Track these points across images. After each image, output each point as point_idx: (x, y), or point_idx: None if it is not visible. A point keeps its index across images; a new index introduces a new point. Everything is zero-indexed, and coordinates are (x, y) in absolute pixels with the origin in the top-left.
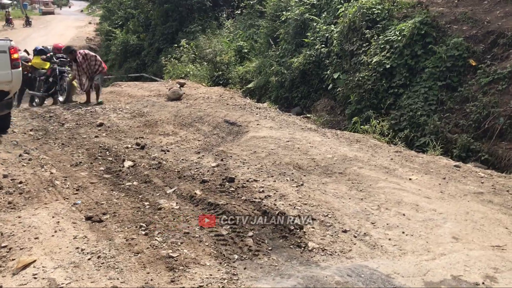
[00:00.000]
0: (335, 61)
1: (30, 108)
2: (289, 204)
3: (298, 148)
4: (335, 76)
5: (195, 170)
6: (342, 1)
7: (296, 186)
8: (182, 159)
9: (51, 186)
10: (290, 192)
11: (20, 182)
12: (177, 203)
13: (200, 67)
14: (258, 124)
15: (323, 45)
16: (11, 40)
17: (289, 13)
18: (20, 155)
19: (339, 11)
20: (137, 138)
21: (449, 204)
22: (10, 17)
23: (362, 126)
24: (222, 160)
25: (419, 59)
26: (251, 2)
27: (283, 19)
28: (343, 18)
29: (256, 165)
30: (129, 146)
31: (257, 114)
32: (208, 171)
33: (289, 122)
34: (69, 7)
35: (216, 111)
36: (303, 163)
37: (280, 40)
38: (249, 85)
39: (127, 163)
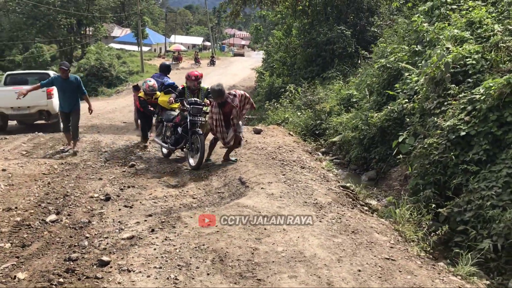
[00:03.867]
0: (417, 120)
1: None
2: None
3: (264, 231)
4: (400, 139)
5: (98, 240)
6: (448, 47)
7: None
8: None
9: None
10: None
11: None
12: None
13: (301, 114)
14: (262, 188)
15: (407, 100)
16: None
17: (383, 60)
18: None
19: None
20: (125, 186)
21: None
22: (198, 56)
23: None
24: (152, 231)
25: (509, 128)
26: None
27: (376, 66)
28: (426, 69)
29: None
30: (96, 195)
31: (283, 175)
32: (106, 243)
33: (307, 191)
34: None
35: (246, 165)
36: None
37: (373, 91)
38: (334, 139)
39: (50, 217)
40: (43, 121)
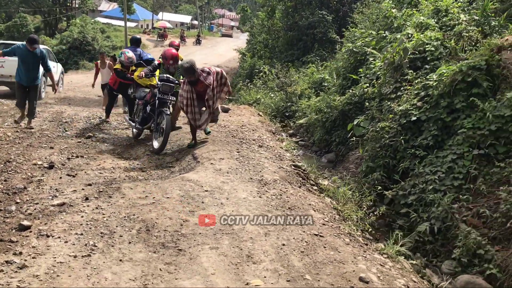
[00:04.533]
0: (375, 105)
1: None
2: None
3: (200, 204)
4: (355, 122)
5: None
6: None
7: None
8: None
9: None
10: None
11: None
12: None
13: (274, 96)
14: (212, 164)
15: (368, 84)
16: None
17: (350, 44)
18: None
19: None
20: (73, 156)
21: None
22: (184, 35)
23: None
24: (86, 199)
25: (458, 115)
26: None
27: (343, 50)
28: (386, 53)
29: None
30: (39, 163)
31: (238, 152)
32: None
33: (257, 169)
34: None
35: (204, 142)
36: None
37: (340, 75)
38: (301, 121)
39: None
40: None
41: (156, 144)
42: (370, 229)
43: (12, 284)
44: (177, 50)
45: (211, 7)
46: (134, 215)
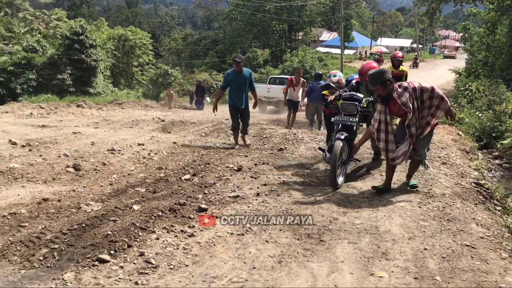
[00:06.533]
0: None
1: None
2: None
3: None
4: None
5: None
6: None
7: None
8: None
9: None
10: None
11: None
12: None
13: (482, 116)
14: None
15: None
16: None
17: None
18: None
19: None
20: (260, 163)
21: None
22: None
23: None
24: (257, 195)
25: None
26: None
27: None
28: None
29: None
30: (231, 166)
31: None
32: None
33: (428, 183)
34: None
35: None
36: None
37: None
38: (505, 142)
39: (185, 176)
40: None
41: (340, 180)
42: None
43: (180, 245)
44: (400, 63)
45: (434, 29)
46: (292, 210)
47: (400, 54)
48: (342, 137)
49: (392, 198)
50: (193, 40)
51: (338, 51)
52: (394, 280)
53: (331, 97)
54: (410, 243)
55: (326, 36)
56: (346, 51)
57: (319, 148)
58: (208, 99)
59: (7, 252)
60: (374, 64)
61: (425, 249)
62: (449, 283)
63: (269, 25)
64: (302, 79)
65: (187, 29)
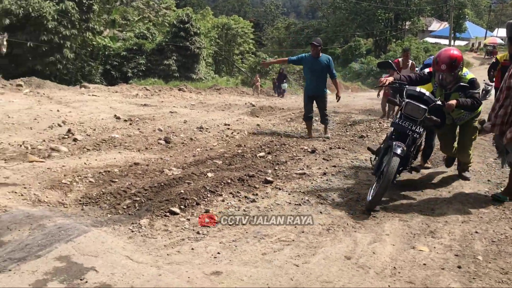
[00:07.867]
0: None
1: None
2: None
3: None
4: None
5: None
6: None
7: None
8: None
9: None
10: None
11: None
12: None
13: None
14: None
15: None
16: None
17: None
18: None
19: None
20: (335, 147)
21: None
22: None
23: None
24: (324, 174)
25: None
26: None
27: None
28: None
29: None
30: (305, 148)
31: None
32: None
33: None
34: None
35: None
36: None
37: None
38: None
39: (260, 154)
40: None
41: (371, 192)
42: None
43: (241, 208)
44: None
45: None
46: (354, 188)
47: (452, 53)
48: (399, 151)
49: (459, 185)
50: (295, 29)
51: (447, 42)
52: (434, 254)
53: (385, 80)
54: (462, 225)
55: (436, 26)
56: (457, 42)
57: (368, 148)
58: (286, 85)
59: (99, 200)
60: (454, 51)
61: (476, 232)
62: (489, 262)
63: (374, 14)
64: (411, 61)
65: (291, 18)
